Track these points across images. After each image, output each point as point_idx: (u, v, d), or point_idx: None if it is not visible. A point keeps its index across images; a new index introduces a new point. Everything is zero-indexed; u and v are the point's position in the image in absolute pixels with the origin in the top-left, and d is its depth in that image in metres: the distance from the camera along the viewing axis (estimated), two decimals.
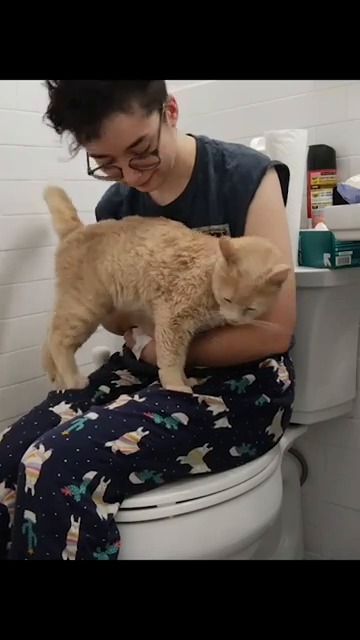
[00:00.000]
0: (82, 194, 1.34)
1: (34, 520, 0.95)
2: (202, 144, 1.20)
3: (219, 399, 1.11)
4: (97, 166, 1.12)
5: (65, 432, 1.01)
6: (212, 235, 1.17)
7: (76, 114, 1.03)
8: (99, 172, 1.13)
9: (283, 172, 1.20)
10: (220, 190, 1.16)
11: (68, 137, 1.08)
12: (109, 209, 1.31)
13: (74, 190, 1.35)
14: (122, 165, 1.09)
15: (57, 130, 1.07)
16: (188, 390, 1.10)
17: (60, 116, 1.05)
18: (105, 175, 1.14)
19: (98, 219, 1.32)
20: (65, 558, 0.94)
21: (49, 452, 0.98)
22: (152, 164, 1.10)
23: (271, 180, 1.15)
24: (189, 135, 1.22)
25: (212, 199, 1.17)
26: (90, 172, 1.13)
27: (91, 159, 1.13)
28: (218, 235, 1.16)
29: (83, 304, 1.19)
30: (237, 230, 1.15)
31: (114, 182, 1.30)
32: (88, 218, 1.32)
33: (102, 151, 1.08)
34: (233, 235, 1.16)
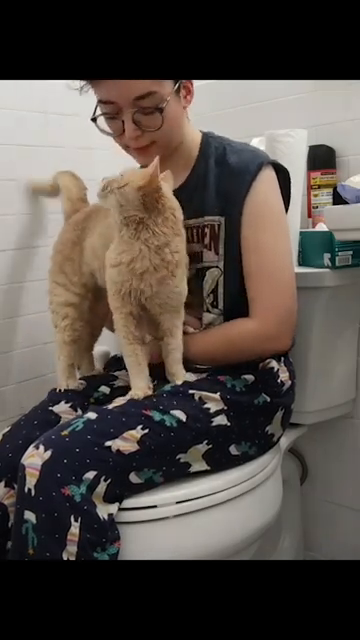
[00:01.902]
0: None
1: (34, 520, 0.95)
2: (207, 138, 1.21)
3: (217, 397, 1.11)
4: (102, 112, 1.14)
5: (65, 432, 1.01)
6: (205, 227, 1.17)
7: None
8: (102, 125, 1.15)
9: (283, 174, 1.20)
10: (218, 183, 1.17)
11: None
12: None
13: None
14: (125, 118, 1.10)
15: None
16: (141, 393, 1.09)
17: None
18: (107, 131, 1.15)
19: None
20: (65, 558, 0.94)
21: (49, 452, 0.98)
22: (154, 126, 1.11)
23: (268, 176, 1.16)
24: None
25: (210, 191, 1.17)
26: (93, 119, 1.15)
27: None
28: (212, 228, 1.17)
29: (68, 289, 1.21)
30: (233, 224, 1.15)
31: None
32: None
33: (110, 96, 1.10)
34: (229, 229, 1.16)
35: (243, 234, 1.15)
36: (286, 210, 1.23)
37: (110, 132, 1.16)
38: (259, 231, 1.15)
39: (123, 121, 1.11)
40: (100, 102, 1.13)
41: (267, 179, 1.16)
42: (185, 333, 1.17)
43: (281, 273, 1.15)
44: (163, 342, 1.13)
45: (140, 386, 1.10)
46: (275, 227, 1.16)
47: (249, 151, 1.19)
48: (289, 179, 1.22)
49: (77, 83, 1.12)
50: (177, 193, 1.20)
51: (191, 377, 1.15)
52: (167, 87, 1.10)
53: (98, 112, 1.15)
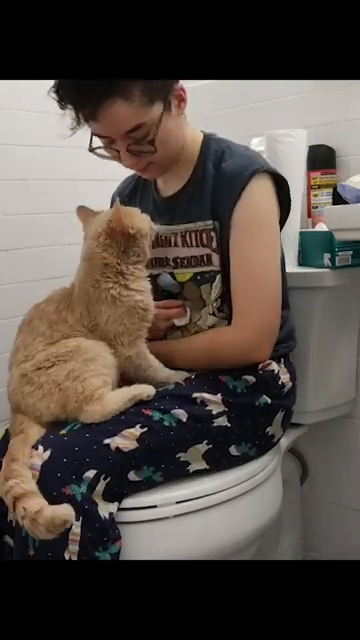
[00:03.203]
0: (83, 193, 1.34)
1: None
2: (208, 140, 1.20)
3: (218, 400, 1.10)
4: (98, 145, 1.14)
5: (63, 431, 1.01)
6: (211, 231, 1.16)
7: (78, 94, 1.05)
8: (100, 151, 1.15)
9: (282, 183, 1.17)
10: (214, 187, 1.16)
11: (70, 114, 1.10)
12: (122, 201, 1.31)
13: (75, 189, 1.35)
14: (120, 148, 1.11)
15: (60, 104, 1.08)
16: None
17: (64, 93, 1.07)
18: (106, 154, 1.15)
19: None
20: (67, 557, 0.94)
21: (48, 452, 0.98)
22: (148, 152, 1.11)
23: (261, 184, 1.13)
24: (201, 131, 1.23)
25: (206, 196, 1.16)
26: (91, 150, 1.14)
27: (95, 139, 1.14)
28: (202, 233, 1.17)
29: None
30: (224, 229, 1.14)
31: (130, 174, 1.32)
32: None
33: (102, 132, 1.10)
34: (222, 234, 1.15)
35: (230, 242, 1.14)
36: (285, 219, 1.21)
37: (109, 156, 1.15)
38: (245, 240, 1.13)
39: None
40: (95, 134, 1.12)
41: (260, 187, 1.13)
42: (173, 325, 1.20)
43: (264, 284, 1.14)
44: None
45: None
46: (262, 237, 1.14)
47: (247, 156, 1.16)
48: (288, 188, 1.19)
49: (68, 129, 1.11)
50: (177, 195, 1.21)
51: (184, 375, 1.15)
52: (155, 112, 1.08)
53: (95, 143, 1.14)
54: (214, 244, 1.17)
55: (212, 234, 1.16)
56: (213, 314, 1.19)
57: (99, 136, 1.12)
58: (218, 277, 1.17)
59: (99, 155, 1.16)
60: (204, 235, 1.17)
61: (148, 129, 1.08)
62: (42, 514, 0.90)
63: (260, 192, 1.14)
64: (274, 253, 1.16)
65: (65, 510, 0.91)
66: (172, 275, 1.22)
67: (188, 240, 1.19)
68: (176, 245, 1.21)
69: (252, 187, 1.12)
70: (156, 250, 1.21)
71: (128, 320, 1.07)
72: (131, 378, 1.12)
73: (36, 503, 0.91)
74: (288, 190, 1.20)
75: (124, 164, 1.14)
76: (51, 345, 1.06)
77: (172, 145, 1.14)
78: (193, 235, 1.19)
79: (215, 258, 1.17)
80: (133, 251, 1.08)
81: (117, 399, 1.03)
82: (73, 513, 0.92)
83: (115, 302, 1.07)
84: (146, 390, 1.06)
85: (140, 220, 1.10)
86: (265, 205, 1.15)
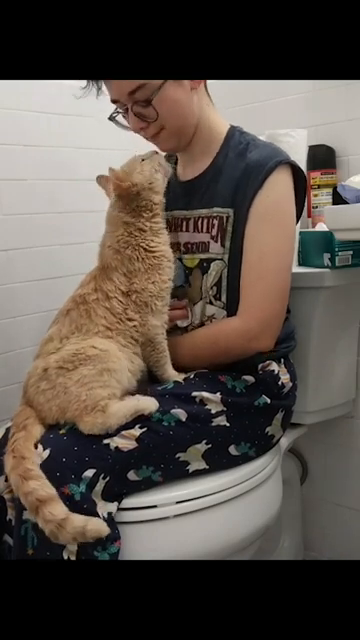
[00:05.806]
0: (83, 193, 1.34)
1: (34, 520, 0.95)
2: (234, 131, 1.21)
3: (217, 398, 1.10)
4: (115, 112, 1.17)
5: (62, 430, 1.01)
6: (214, 218, 1.18)
7: None
8: (121, 120, 1.17)
9: (300, 180, 1.18)
10: (234, 175, 1.16)
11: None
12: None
13: (75, 189, 1.35)
14: (129, 113, 1.13)
15: None
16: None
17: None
18: (125, 124, 1.17)
19: None
20: (66, 557, 0.94)
21: (47, 452, 0.98)
22: (151, 117, 1.12)
23: (283, 177, 1.14)
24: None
25: (224, 183, 1.17)
26: (110, 118, 1.17)
27: None
28: (220, 219, 1.17)
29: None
30: (241, 217, 1.15)
31: None
32: (94, 218, 1.31)
33: (111, 95, 1.13)
34: (237, 223, 1.15)
35: (246, 230, 1.14)
36: (299, 215, 1.22)
37: (128, 127, 1.17)
38: (261, 231, 1.14)
39: None
40: (112, 102, 1.14)
41: (281, 179, 1.14)
42: (176, 326, 1.19)
43: (274, 277, 1.14)
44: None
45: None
46: (279, 229, 1.15)
47: (271, 148, 1.17)
48: (306, 185, 1.20)
49: (81, 89, 1.13)
50: (195, 180, 1.21)
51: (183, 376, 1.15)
52: None
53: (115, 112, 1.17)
54: (214, 231, 1.17)
55: (214, 222, 1.17)
56: (210, 302, 1.19)
57: (113, 101, 1.14)
58: (212, 265, 1.18)
59: (117, 124, 1.17)
60: (213, 221, 1.18)
61: (150, 91, 1.09)
62: (71, 523, 0.91)
63: (281, 185, 1.14)
64: (289, 245, 1.17)
65: (99, 525, 0.93)
66: (180, 260, 1.22)
67: (199, 226, 1.20)
68: (187, 230, 1.22)
69: (275, 178, 1.13)
70: (169, 235, 1.21)
71: (158, 276, 1.10)
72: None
73: (61, 510, 0.92)
74: (305, 187, 1.20)
75: (131, 127, 1.14)
76: (83, 341, 1.06)
77: (180, 115, 1.14)
78: (205, 221, 1.19)
79: (213, 246, 1.18)
80: (143, 206, 1.11)
81: (119, 414, 1.02)
82: (108, 529, 0.94)
83: (145, 256, 1.10)
84: (149, 406, 1.05)
85: (137, 175, 1.11)
86: (286, 197, 1.16)
